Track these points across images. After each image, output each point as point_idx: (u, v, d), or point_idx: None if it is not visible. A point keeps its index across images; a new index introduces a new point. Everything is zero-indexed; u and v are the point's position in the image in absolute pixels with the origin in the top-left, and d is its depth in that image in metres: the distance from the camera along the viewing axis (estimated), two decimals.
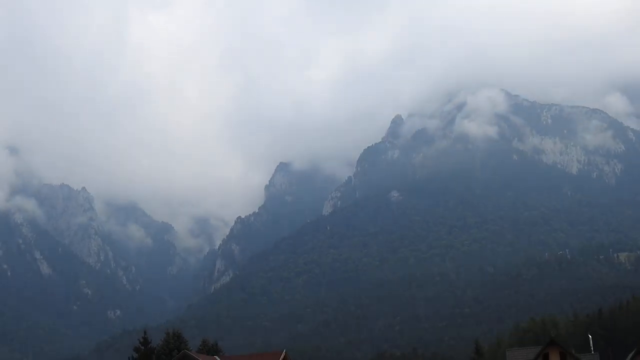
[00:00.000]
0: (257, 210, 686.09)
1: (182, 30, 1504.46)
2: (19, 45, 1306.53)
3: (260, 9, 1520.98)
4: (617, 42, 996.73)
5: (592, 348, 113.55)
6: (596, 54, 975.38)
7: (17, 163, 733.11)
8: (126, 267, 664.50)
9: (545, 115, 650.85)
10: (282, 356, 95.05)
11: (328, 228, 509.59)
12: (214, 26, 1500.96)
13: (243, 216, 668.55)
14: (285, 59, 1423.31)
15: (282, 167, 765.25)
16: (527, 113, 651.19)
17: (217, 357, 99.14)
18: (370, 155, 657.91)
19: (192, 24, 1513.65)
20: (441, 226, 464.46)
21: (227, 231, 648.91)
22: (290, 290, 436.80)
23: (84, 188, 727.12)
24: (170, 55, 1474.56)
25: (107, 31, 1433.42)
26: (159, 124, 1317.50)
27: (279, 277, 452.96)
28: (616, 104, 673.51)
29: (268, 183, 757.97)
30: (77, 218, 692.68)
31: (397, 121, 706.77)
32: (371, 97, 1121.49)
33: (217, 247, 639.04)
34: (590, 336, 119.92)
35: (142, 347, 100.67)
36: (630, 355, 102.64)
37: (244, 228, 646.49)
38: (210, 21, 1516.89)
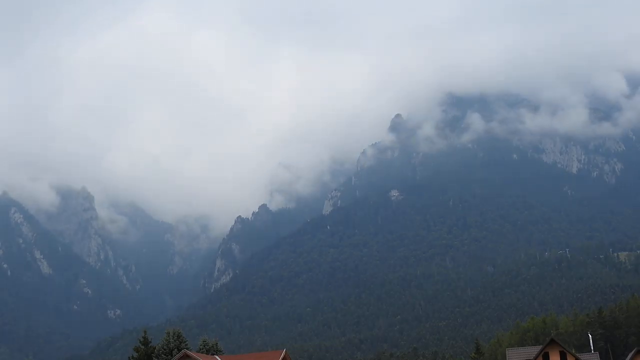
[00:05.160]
0: (257, 210, 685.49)
1: None
2: None
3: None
4: (620, 41, 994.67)
5: (592, 347, 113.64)
6: (598, 53, 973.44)
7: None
8: (126, 267, 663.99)
9: (545, 114, 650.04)
10: (282, 356, 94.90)
11: (328, 227, 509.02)
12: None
13: (243, 216, 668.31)
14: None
15: (282, 167, 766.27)
16: (527, 112, 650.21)
17: (217, 357, 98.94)
18: (370, 155, 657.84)
19: None
20: (441, 226, 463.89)
21: (227, 231, 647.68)
22: (290, 290, 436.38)
23: (84, 188, 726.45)
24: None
25: None
26: (158, 124, 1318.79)
27: (279, 277, 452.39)
28: (617, 103, 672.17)
29: (268, 182, 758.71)
30: (77, 218, 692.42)
31: (397, 121, 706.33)
32: (371, 97, 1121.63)
33: (217, 247, 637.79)
34: (590, 335, 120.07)
35: (142, 347, 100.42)
36: (631, 354, 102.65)
37: (244, 227, 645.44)
38: None
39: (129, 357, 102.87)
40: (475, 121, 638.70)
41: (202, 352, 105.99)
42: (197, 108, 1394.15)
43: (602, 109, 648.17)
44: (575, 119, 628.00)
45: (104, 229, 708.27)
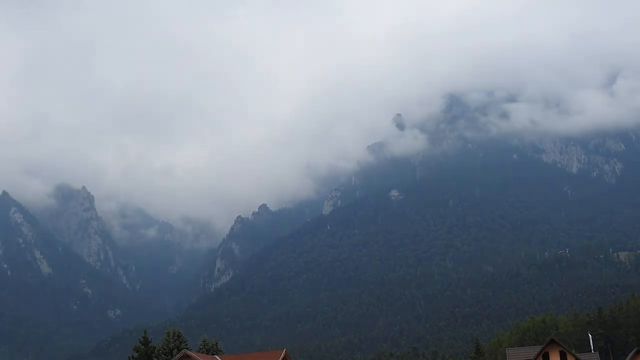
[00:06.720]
0: (257, 210, 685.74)
1: None
2: None
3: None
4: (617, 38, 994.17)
5: (592, 347, 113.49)
6: (596, 53, 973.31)
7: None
8: (126, 267, 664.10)
9: (546, 114, 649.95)
10: (282, 356, 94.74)
11: (328, 227, 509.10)
12: None
13: (243, 216, 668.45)
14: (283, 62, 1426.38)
15: (283, 167, 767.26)
16: (527, 112, 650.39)
17: (217, 357, 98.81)
18: (370, 155, 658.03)
19: None
20: (441, 226, 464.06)
21: (227, 231, 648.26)
22: (290, 290, 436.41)
23: (84, 188, 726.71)
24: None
25: None
26: (158, 124, 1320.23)
27: (279, 277, 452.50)
28: (616, 103, 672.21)
29: (268, 182, 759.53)
30: (77, 218, 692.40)
31: (397, 121, 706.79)
32: (372, 97, 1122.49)
33: (217, 247, 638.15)
34: (590, 335, 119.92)
35: (142, 347, 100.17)
36: (631, 354, 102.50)
37: (244, 227, 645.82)
38: None
39: (129, 357, 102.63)
40: (475, 121, 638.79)
41: (202, 352, 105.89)
42: (197, 108, 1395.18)
43: (602, 109, 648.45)
44: (576, 119, 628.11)
45: (104, 228, 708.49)
